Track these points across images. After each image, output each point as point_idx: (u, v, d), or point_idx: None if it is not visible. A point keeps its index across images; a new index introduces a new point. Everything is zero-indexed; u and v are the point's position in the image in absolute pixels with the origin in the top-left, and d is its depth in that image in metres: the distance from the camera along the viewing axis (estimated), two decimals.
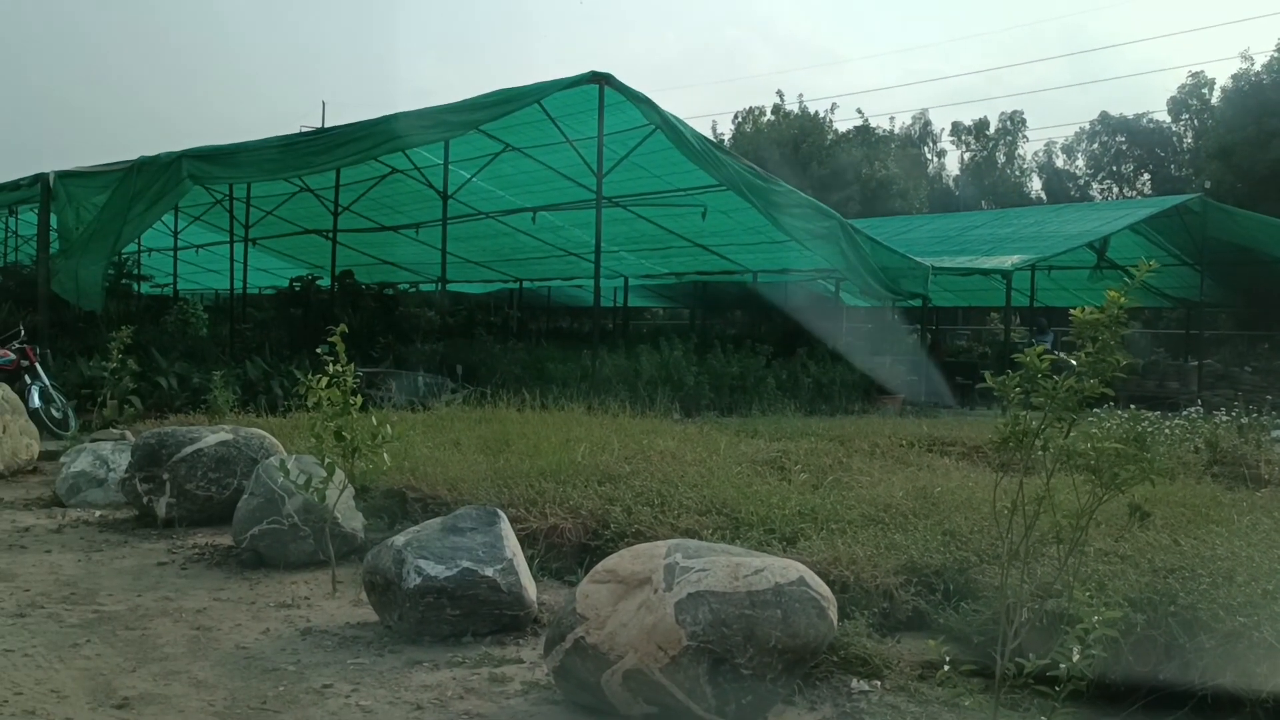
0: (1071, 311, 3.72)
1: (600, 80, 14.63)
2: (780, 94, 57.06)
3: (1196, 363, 23.64)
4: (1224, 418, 10.72)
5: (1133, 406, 6.54)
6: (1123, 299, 3.58)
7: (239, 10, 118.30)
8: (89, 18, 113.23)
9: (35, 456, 10.16)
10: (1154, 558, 4.99)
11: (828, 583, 4.53)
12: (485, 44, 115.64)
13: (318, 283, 21.60)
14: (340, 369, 6.18)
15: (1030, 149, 53.87)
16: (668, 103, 15.32)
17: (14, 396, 10.18)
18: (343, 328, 6.36)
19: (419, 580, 5.17)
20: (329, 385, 6.17)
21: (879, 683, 4.62)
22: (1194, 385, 21.57)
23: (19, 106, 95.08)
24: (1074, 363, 3.72)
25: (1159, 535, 5.49)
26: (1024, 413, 3.81)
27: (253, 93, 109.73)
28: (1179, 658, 4.24)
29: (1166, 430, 9.92)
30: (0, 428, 9.69)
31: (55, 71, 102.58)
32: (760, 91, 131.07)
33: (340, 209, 20.42)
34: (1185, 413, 11.27)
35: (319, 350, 6.41)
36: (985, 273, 21.02)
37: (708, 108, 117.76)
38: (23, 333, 12.56)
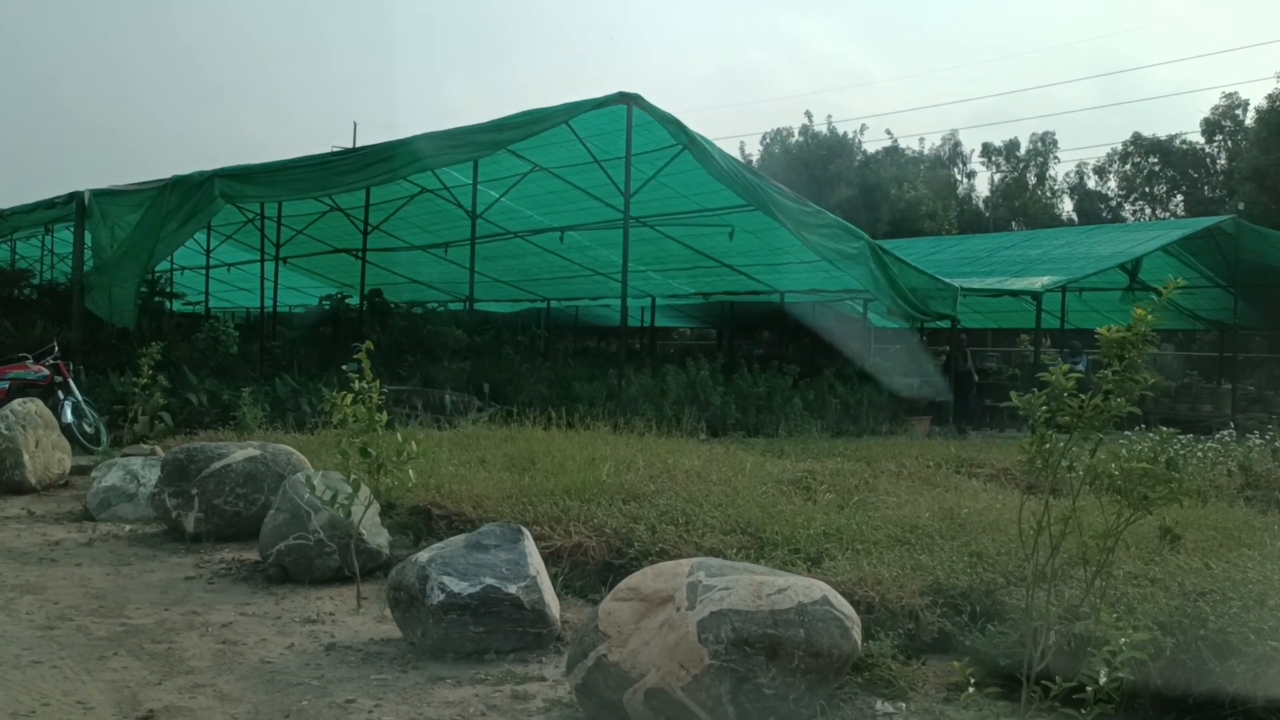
0: (1098, 330, 3.69)
1: (628, 101, 14.69)
2: (808, 115, 56.89)
3: (1230, 385, 23.36)
4: (1257, 441, 10.59)
5: (1164, 429, 6.46)
6: (1150, 317, 3.55)
7: (270, 33, 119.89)
8: (121, 40, 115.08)
9: (67, 471, 10.27)
10: (1184, 581, 4.92)
11: (853, 603, 4.50)
12: (513, 66, 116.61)
13: (347, 301, 21.74)
14: (366, 385, 6.21)
15: (1061, 170, 53.65)
16: (695, 123, 15.36)
17: (47, 411, 10.29)
18: (369, 345, 6.39)
19: (442, 597, 5.17)
20: (354, 402, 6.20)
21: (904, 704, 4.57)
22: (1227, 408, 21.32)
23: (51, 127, 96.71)
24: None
25: (1190, 558, 5.41)
26: (1051, 432, 3.78)
27: (284, 114, 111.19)
28: (1209, 682, 4.18)
29: (1199, 453, 9.81)
30: (33, 442, 9.80)
31: (87, 93, 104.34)
32: (788, 112, 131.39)
33: (370, 228, 20.57)
34: (1218, 436, 11.14)
35: (345, 367, 6.45)
36: (1015, 294, 20.88)
37: (735, 128, 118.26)
38: (56, 349, 12.72)
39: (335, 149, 22.22)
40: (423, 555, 5.46)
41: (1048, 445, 3.69)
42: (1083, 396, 3.65)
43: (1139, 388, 3.57)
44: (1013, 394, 3.83)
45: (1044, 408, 3.70)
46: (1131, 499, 3.66)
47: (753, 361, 19.28)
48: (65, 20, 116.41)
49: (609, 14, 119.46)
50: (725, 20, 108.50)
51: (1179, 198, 47.94)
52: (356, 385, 6.24)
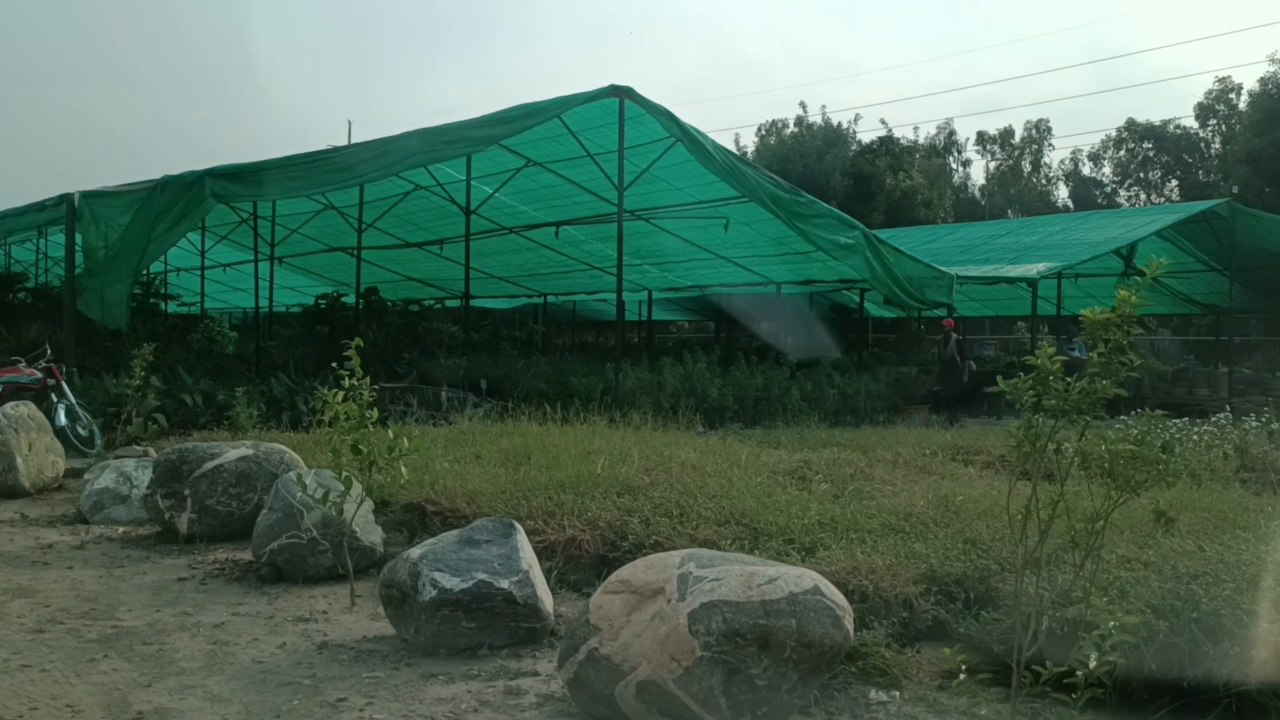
0: (1082, 313, 3.67)
1: (620, 94, 14.64)
2: (803, 105, 56.94)
3: (1226, 369, 23.35)
4: (1253, 424, 10.59)
5: (1159, 412, 6.42)
6: (1134, 298, 3.52)
7: (265, 31, 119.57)
8: (116, 36, 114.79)
9: (61, 474, 10.24)
10: (1177, 564, 4.90)
11: (846, 592, 4.48)
12: (506, 61, 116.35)
13: (343, 300, 21.73)
14: (356, 382, 6.19)
15: (1056, 157, 53.79)
16: (690, 116, 15.33)
17: (40, 414, 10.26)
18: (358, 341, 6.36)
19: (434, 593, 5.15)
20: (345, 399, 6.17)
21: (898, 693, 4.56)
22: (1224, 392, 21.32)
23: (46, 125, 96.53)
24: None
25: (1183, 541, 5.41)
26: (1039, 416, 3.76)
27: (278, 112, 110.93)
28: (1202, 665, 4.16)
29: (1195, 436, 9.80)
30: (27, 445, 9.77)
31: (83, 90, 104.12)
32: (783, 104, 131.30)
33: (364, 226, 20.54)
34: (1214, 419, 11.14)
35: (335, 365, 6.42)
36: (1011, 281, 20.87)
37: (730, 120, 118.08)
38: (49, 352, 12.69)
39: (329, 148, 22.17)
40: (415, 552, 5.44)
41: (1034, 429, 3.67)
42: (1068, 380, 3.63)
43: (1124, 370, 3.54)
44: (999, 378, 3.80)
45: (1030, 392, 3.68)
46: (1119, 482, 3.64)
47: (750, 353, 19.27)
48: (63, 15, 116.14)
49: (604, 8, 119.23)
50: (719, 13, 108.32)
51: (1173, 183, 47.96)
52: (347, 383, 6.22)
